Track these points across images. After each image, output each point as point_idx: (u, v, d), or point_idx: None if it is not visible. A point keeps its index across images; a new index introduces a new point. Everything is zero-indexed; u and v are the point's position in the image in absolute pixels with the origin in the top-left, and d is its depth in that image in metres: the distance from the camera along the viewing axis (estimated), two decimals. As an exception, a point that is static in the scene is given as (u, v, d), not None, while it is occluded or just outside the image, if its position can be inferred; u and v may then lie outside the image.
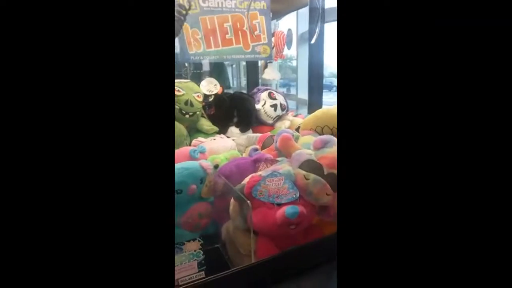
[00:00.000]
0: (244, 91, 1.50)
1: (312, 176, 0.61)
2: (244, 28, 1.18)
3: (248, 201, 0.57)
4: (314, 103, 1.32)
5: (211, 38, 1.13)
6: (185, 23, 1.06)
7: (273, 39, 1.31)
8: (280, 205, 0.58)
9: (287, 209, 0.56)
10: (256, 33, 1.21)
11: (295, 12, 1.67)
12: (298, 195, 0.59)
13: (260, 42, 1.23)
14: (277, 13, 1.44)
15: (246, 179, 0.63)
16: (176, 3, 0.98)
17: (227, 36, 1.16)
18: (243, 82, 1.97)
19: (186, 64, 1.57)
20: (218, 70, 1.76)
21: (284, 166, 0.63)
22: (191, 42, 1.10)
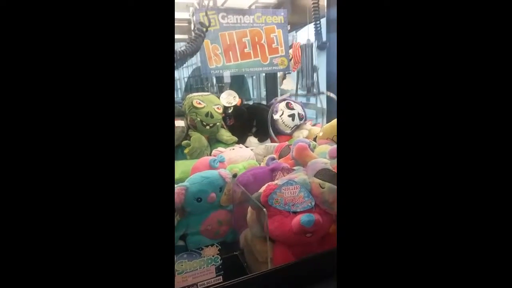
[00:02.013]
0: (264, 102, 1.53)
1: (327, 184, 0.62)
2: (262, 42, 1.23)
3: (264, 209, 0.58)
4: (332, 112, 1.32)
5: (230, 52, 1.18)
6: (206, 40, 1.12)
7: (291, 50, 1.34)
8: (296, 213, 0.59)
9: (302, 217, 0.57)
10: (273, 45, 1.24)
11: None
12: (313, 203, 0.60)
13: (278, 55, 1.26)
14: (295, 25, 1.47)
15: (263, 188, 0.64)
16: (197, 21, 1.04)
17: (246, 50, 1.20)
18: (263, 93, 2.00)
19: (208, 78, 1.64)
20: (238, 83, 1.82)
21: (299, 175, 0.65)
22: (211, 57, 1.16)
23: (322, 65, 1.26)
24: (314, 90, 1.12)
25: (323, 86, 1.26)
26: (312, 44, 1.07)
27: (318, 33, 1.09)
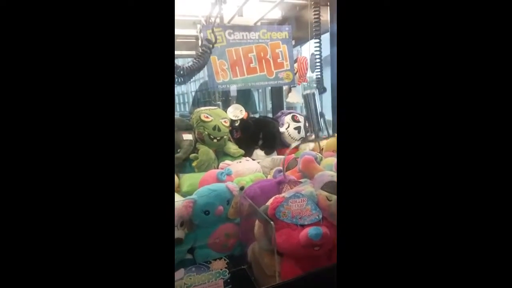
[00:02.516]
0: (270, 115, 1.55)
1: (334, 197, 0.62)
2: (268, 57, 1.25)
3: (272, 222, 0.59)
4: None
5: (236, 67, 1.21)
6: (213, 56, 1.15)
7: (296, 64, 1.37)
8: (303, 226, 0.60)
9: (310, 230, 0.57)
10: (279, 60, 1.27)
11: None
12: (321, 216, 0.60)
13: (283, 69, 1.29)
14: (300, 40, 1.50)
15: (270, 201, 0.65)
16: (204, 37, 1.07)
17: (252, 65, 1.23)
18: (270, 106, 2.03)
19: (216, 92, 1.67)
20: (245, 96, 1.85)
21: (306, 188, 0.65)
22: (218, 72, 1.19)
23: (327, 77, 1.28)
24: (324, 133, 1.15)
25: (329, 99, 1.27)
26: (314, 93, 1.11)
27: (319, 50, 1.13)
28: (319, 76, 1.23)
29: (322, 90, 1.00)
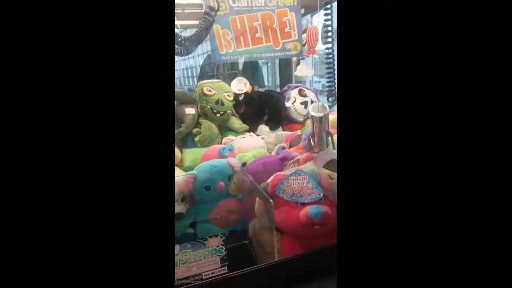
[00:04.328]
0: (278, 89, 1.50)
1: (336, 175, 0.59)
2: (274, 26, 1.18)
3: (271, 200, 0.57)
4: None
5: (241, 38, 1.14)
6: (216, 25, 1.09)
7: (305, 35, 1.29)
8: (304, 204, 0.58)
9: (310, 209, 0.55)
10: (286, 30, 1.19)
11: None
12: (322, 195, 0.58)
13: (290, 39, 1.21)
14: (310, 8, 1.40)
15: (271, 177, 0.63)
16: (205, 4, 1.01)
17: (257, 35, 1.16)
18: (279, 80, 1.96)
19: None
20: (252, 69, 1.78)
21: (308, 165, 0.63)
22: (222, 43, 1.13)
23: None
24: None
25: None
26: (326, 116, 1.03)
27: (328, 20, 1.03)
28: (330, 50, 1.14)
29: (333, 98, 0.91)
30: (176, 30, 0.90)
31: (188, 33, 0.97)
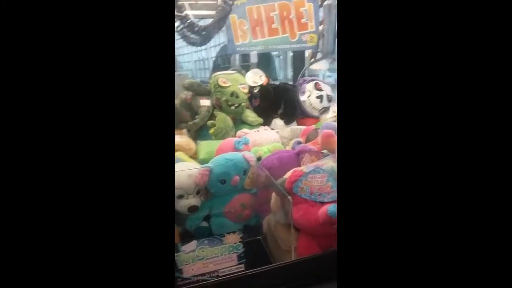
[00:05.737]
0: (290, 83, 1.47)
1: (358, 173, 0.57)
2: (291, 17, 1.14)
3: (289, 197, 0.55)
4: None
5: (257, 28, 1.11)
6: (233, 14, 1.07)
7: (321, 27, 1.25)
8: (322, 203, 0.56)
9: (330, 208, 0.54)
10: (303, 21, 1.16)
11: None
12: (342, 193, 0.56)
13: (307, 31, 1.18)
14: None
15: (288, 173, 0.61)
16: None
17: (273, 26, 1.13)
18: (290, 74, 1.92)
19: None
20: (265, 61, 1.75)
21: (327, 162, 0.61)
22: (237, 33, 1.10)
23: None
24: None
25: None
26: None
27: None
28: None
29: None
30: (192, 19, 0.89)
31: (202, 23, 0.95)
